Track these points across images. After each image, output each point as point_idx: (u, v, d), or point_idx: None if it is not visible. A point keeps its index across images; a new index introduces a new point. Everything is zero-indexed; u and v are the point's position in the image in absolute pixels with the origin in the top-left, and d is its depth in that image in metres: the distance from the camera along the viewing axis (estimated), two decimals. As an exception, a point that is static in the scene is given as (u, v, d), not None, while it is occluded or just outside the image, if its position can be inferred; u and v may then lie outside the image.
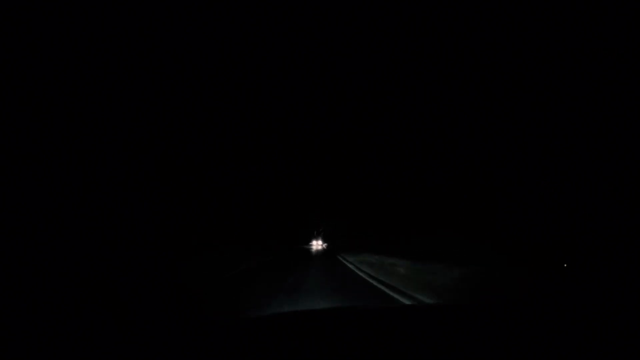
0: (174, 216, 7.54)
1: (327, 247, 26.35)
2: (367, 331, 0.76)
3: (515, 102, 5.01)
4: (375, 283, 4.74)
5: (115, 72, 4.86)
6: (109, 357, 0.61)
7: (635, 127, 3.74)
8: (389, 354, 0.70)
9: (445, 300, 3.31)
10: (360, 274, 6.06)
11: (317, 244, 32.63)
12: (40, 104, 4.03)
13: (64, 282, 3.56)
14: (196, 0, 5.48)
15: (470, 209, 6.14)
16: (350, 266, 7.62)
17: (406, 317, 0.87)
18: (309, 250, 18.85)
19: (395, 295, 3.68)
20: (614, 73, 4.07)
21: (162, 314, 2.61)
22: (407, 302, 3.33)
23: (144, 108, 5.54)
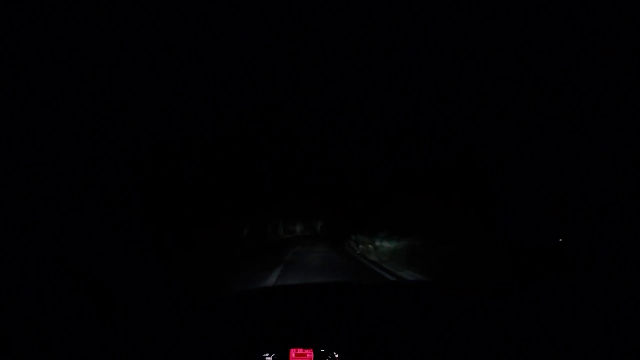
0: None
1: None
2: (353, 306, 0.78)
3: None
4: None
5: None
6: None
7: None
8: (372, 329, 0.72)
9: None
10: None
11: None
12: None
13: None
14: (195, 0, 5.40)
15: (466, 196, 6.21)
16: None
17: (388, 294, 0.89)
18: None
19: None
20: (614, 73, 4.08)
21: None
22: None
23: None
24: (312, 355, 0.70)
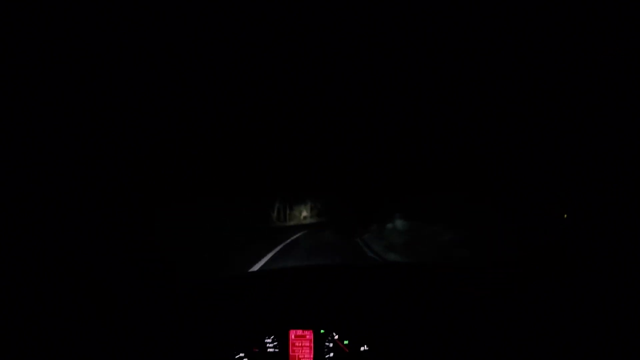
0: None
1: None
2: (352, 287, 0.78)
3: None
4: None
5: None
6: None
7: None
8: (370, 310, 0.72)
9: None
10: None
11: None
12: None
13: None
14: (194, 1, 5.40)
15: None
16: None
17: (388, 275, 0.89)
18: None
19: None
20: (614, 73, 4.06)
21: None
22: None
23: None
24: (312, 336, 0.70)
